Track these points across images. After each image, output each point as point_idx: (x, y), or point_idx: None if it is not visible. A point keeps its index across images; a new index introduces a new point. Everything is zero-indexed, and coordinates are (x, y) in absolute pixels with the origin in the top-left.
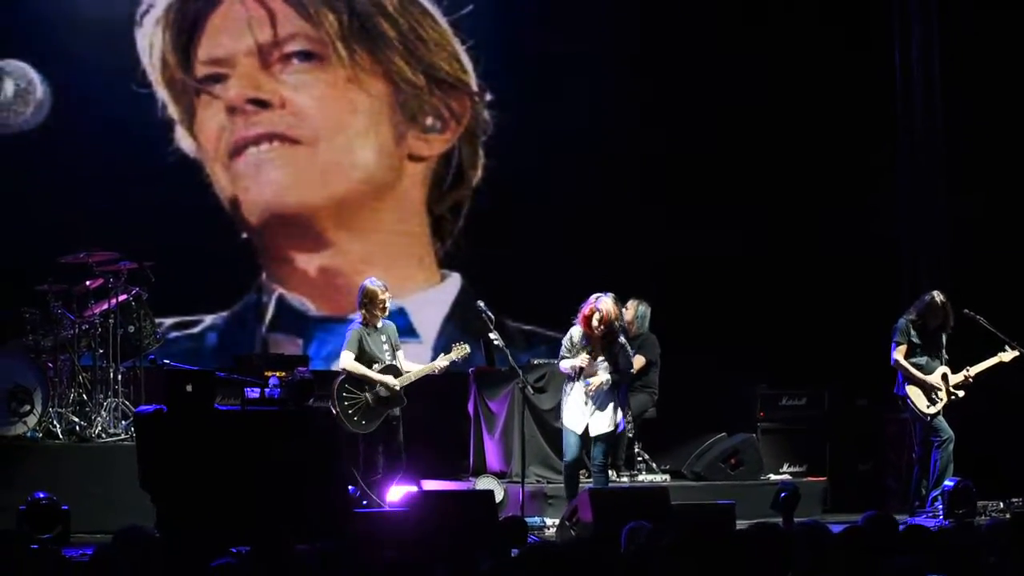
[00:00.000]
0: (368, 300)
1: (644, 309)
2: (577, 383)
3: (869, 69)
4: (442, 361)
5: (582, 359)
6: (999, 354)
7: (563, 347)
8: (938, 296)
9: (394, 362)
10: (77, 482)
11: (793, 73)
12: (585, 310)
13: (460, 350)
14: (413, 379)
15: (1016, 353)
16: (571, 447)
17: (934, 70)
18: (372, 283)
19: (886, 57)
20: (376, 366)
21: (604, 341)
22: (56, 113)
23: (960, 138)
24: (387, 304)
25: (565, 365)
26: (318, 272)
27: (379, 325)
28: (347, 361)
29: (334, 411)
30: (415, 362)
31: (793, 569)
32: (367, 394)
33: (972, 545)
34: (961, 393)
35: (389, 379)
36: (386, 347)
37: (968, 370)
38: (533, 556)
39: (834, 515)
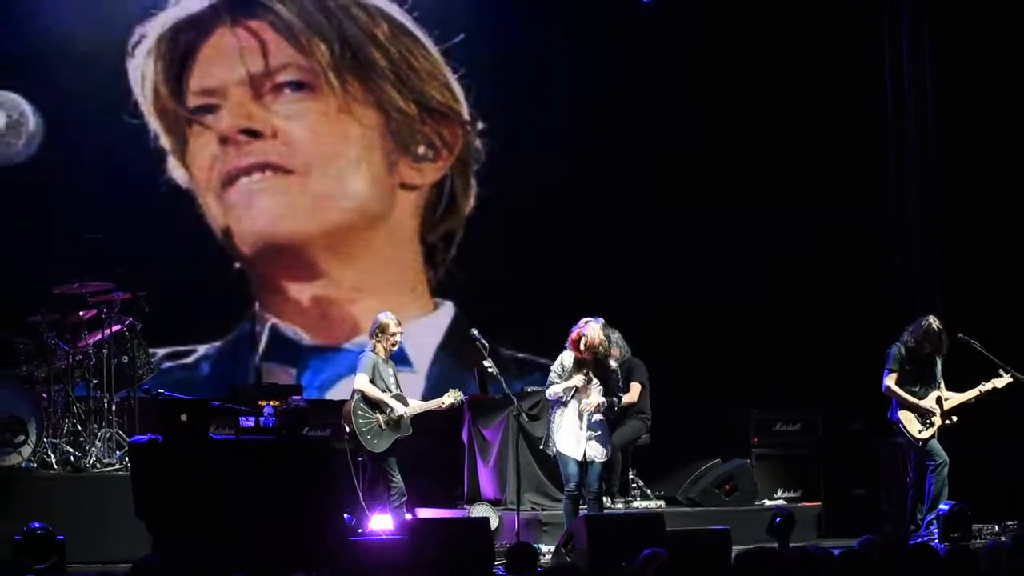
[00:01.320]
0: (380, 331)
1: (616, 335)
2: (568, 408)
3: (861, 86)
4: (448, 398)
5: (578, 379)
6: (992, 380)
7: (553, 372)
8: (933, 321)
9: (404, 407)
10: (72, 512)
11: (786, 94)
12: (573, 335)
13: (454, 395)
14: (419, 411)
15: (1009, 379)
16: (573, 475)
17: (926, 85)
18: (386, 316)
19: (878, 72)
20: (387, 395)
21: (596, 365)
22: (48, 144)
23: (958, 159)
24: (398, 338)
25: (558, 388)
26: (311, 302)
27: (387, 359)
28: (362, 382)
29: (347, 430)
30: (410, 396)
31: None
32: (379, 415)
33: (973, 566)
34: (955, 418)
35: (399, 405)
36: (392, 380)
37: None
38: None
39: (829, 540)
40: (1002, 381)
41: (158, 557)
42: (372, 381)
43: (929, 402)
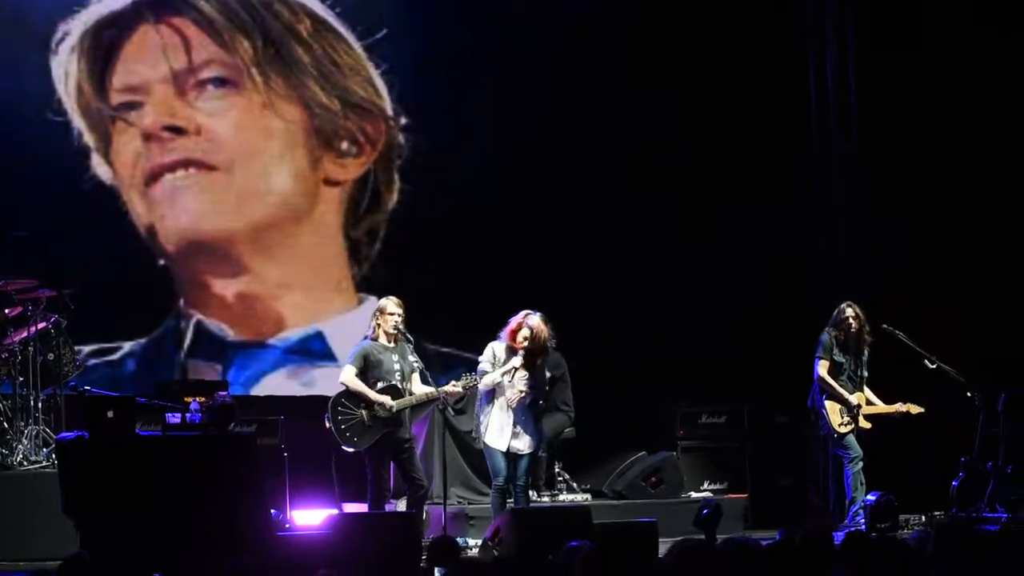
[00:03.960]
0: (379, 312)
1: None
2: (496, 401)
3: (786, 88)
4: (450, 387)
5: (516, 360)
6: (908, 404)
7: (484, 363)
8: (848, 307)
9: (399, 384)
10: None
11: (714, 92)
12: (513, 324)
13: (469, 379)
14: (413, 403)
15: (922, 408)
16: (501, 468)
17: (849, 82)
18: (386, 298)
19: (803, 75)
20: (380, 385)
21: (528, 356)
22: None
23: (880, 152)
24: (396, 322)
25: (495, 376)
26: (235, 297)
27: (391, 345)
28: (346, 375)
29: (327, 425)
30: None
31: None
32: (363, 411)
33: (903, 555)
34: (869, 425)
35: (386, 399)
36: (396, 367)
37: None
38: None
39: (756, 531)
40: (916, 409)
41: (86, 554)
42: (364, 372)
43: (856, 398)
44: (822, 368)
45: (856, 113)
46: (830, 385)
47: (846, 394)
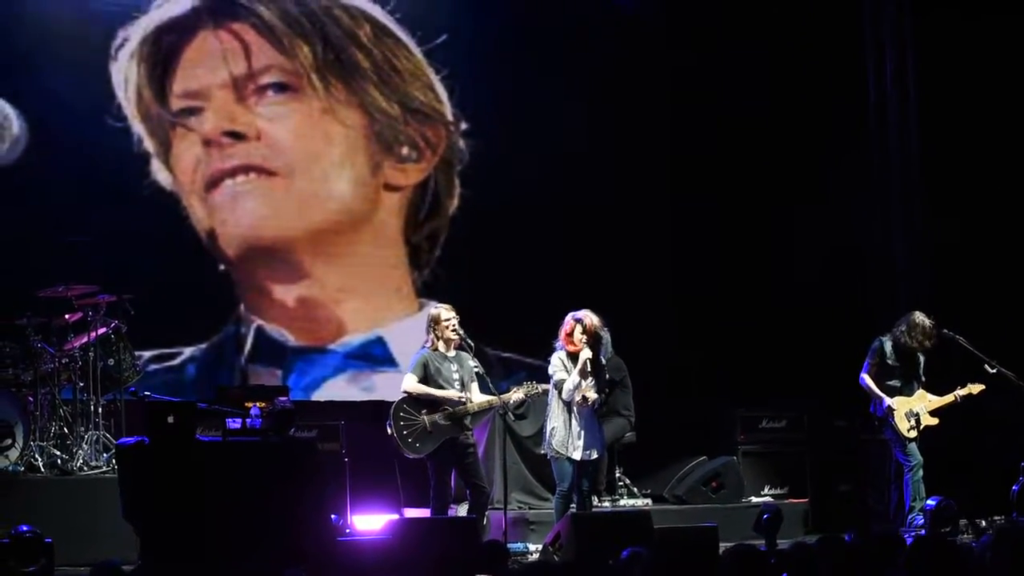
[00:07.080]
0: (434, 323)
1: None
2: (562, 407)
3: (844, 88)
4: (512, 394)
5: (585, 353)
6: (969, 386)
7: (557, 372)
8: (920, 316)
9: (460, 393)
10: (60, 515)
11: (767, 93)
12: (566, 327)
13: (531, 387)
14: (475, 409)
15: (983, 386)
16: (567, 474)
17: (908, 84)
18: (435, 307)
19: (861, 76)
20: (439, 391)
21: (592, 350)
22: (33, 148)
23: (939, 157)
24: (454, 325)
25: (575, 377)
26: (296, 303)
27: (450, 354)
28: (409, 383)
29: (389, 431)
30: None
31: None
32: (424, 417)
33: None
34: (936, 420)
35: (453, 393)
36: (456, 376)
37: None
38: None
39: (816, 536)
40: (978, 387)
41: (116, 561)
42: (424, 380)
43: (917, 397)
44: (866, 374)
45: (916, 110)
46: (871, 390)
47: (885, 397)
